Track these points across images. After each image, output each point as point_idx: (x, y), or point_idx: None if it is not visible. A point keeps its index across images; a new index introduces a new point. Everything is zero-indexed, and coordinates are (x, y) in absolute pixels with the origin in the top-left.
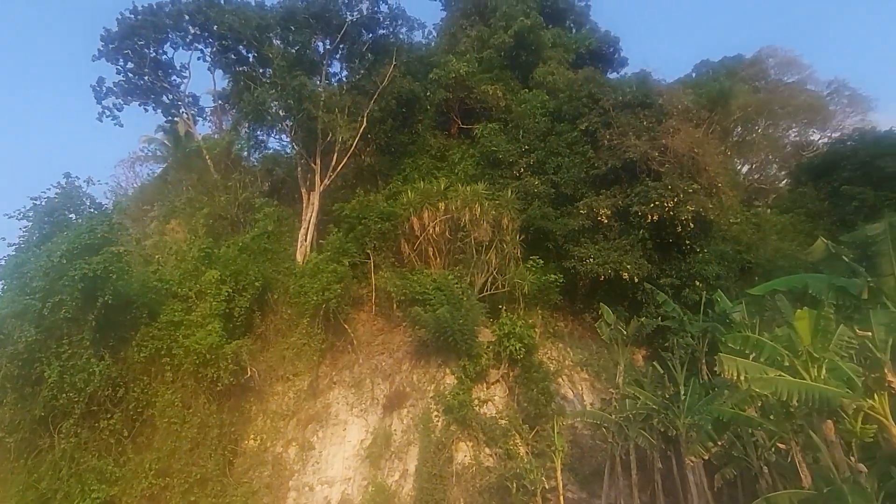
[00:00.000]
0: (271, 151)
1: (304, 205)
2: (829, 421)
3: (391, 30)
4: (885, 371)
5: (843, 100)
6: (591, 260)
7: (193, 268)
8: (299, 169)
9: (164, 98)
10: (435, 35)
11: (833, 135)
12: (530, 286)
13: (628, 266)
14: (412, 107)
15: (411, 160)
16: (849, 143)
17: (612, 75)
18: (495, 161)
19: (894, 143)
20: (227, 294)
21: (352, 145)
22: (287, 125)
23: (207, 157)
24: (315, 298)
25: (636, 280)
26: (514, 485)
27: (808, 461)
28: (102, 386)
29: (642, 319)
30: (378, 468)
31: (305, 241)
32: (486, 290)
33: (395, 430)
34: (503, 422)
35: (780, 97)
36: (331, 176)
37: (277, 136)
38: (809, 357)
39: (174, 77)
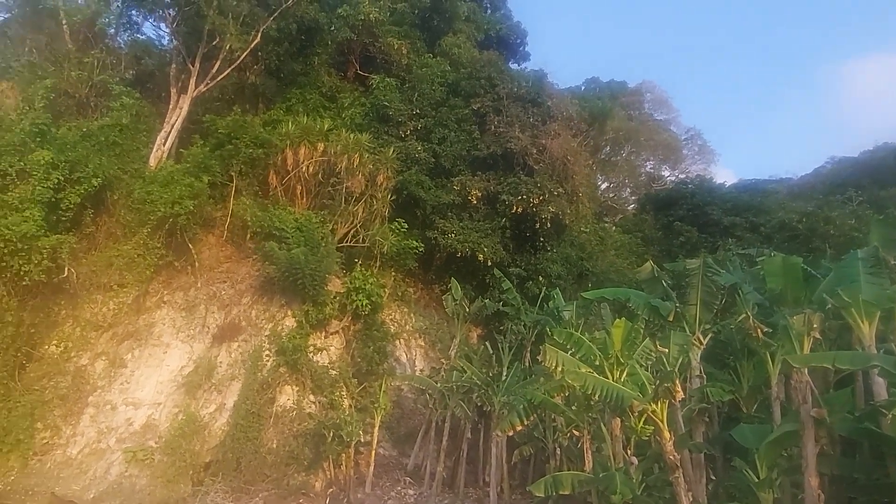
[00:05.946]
0: (144, 38)
1: (171, 107)
2: (618, 418)
3: None
4: (674, 383)
5: (695, 147)
6: (453, 235)
7: (21, 142)
8: (173, 66)
9: None
10: None
11: (680, 175)
12: (390, 247)
13: (485, 249)
14: (313, 37)
15: (300, 92)
16: (689, 185)
17: (513, 66)
18: (385, 116)
19: (722, 196)
20: (56, 182)
21: (239, 57)
22: (169, 14)
23: (64, 21)
24: (162, 210)
25: (489, 263)
26: (331, 434)
27: (594, 450)
28: None
29: (486, 301)
30: (194, 398)
31: (164, 145)
32: (346, 242)
33: (220, 362)
34: (333, 372)
35: (648, 130)
36: (208, 84)
37: (156, 24)
38: (616, 361)
39: None
